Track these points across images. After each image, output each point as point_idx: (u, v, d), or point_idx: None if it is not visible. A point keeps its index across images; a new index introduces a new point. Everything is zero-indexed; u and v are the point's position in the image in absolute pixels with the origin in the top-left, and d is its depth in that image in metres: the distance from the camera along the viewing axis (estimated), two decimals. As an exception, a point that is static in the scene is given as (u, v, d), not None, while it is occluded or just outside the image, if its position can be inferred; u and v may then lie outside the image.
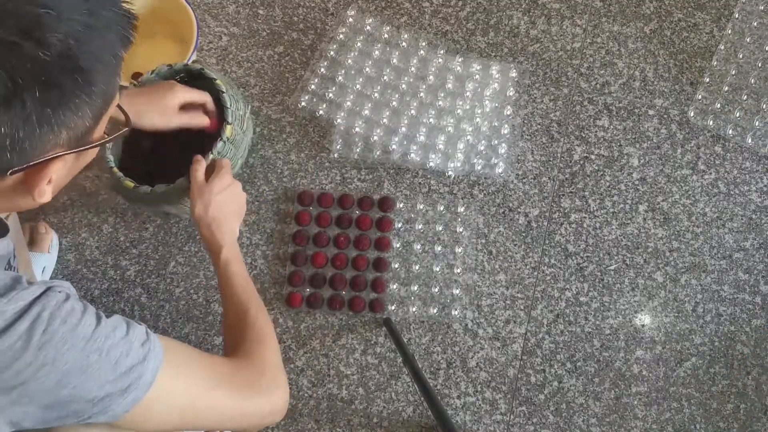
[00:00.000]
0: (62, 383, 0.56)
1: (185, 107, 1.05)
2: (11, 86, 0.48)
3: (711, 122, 1.33)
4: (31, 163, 0.54)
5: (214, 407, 0.68)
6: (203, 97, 1.07)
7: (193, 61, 1.35)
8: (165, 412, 0.63)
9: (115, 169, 1.06)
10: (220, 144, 1.08)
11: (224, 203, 0.97)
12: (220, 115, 1.11)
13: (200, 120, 1.07)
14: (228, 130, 1.10)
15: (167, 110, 1.02)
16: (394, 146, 1.31)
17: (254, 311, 0.86)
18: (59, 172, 0.58)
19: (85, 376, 0.57)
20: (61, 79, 0.51)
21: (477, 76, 1.35)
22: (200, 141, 1.17)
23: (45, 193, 0.58)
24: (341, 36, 1.38)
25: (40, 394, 0.55)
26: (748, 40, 1.36)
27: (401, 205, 1.30)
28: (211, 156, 1.08)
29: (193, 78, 1.15)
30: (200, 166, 1.01)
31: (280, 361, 0.83)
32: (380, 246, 1.27)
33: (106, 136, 0.63)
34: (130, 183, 1.06)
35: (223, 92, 1.09)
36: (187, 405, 0.65)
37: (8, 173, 0.53)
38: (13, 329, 0.54)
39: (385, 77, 1.34)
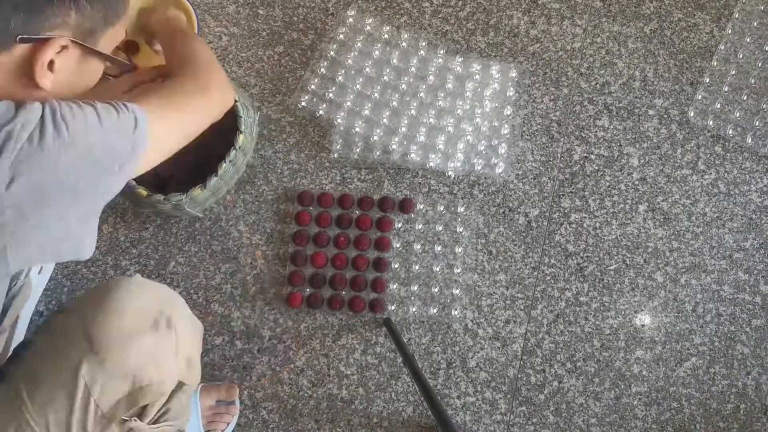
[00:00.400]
0: (98, 164, 0.65)
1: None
2: None
3: (711, 122, 1.33)
4: (38, 36, 0.61)
5: (191, 121, 0.83)
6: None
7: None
8: (165, 147, 0.77)
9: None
10: (233, 153, 1.09)
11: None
12: (233, 123, 1.11)
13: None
14: (240, 139, 1.10)
15: None
16: (394, 146, 1.31)
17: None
18: (62, 64, 0.65)
19: (109, 150, 0.66)
20: None
21: (477, 76, 1.35)
22: (210, 145, 1.18)
23: (45, 76, 0.64)
24: (341, 36, 1.38)
25: (86, 185, 0.64)
26: (748, 40, 1.36)
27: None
28: (224, 165, 1.08)
29: None
30: None
31: (210, 58, 0.95)
32: (380, 246, 1.27)
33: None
34: (143, 191, 1.06)
35: (236, 101, 1.09)
36: (177, 132, 0.80)
37: (17, 39, 0.60)
38: (45, 131, 0.60)
39: (385, 77, 1.34)
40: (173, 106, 0.81)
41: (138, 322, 0.79)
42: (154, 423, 0.87)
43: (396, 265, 1.27)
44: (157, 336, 0.80)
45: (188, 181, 1.14)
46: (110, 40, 0.71)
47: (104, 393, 0.77)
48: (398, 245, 1.28)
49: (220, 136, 1.17)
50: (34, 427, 0.76)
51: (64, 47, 0.64)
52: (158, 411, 0.85)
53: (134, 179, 1.07)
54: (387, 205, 1.28)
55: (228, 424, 1.18)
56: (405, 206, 1.28)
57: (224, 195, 1.29)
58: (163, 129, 0.76)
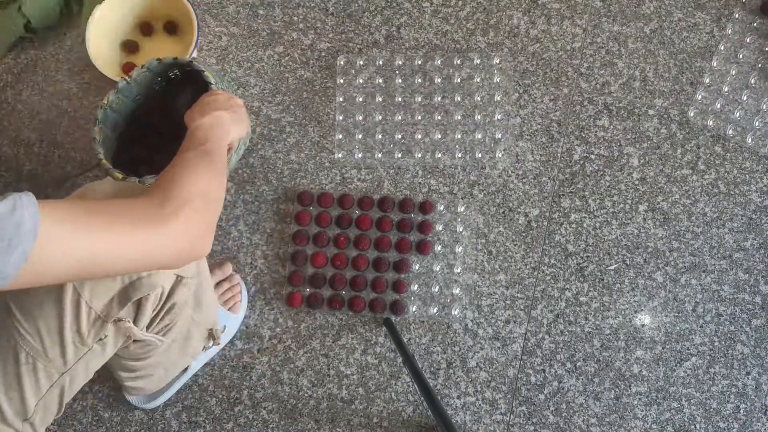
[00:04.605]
0: None
1: None
2: None
3: (711, 122, 1.33)
4: None
5: (111, 250, 0.61)
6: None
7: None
8: (61, 262, 0.58)
9: (105, 161, 1.05)
10: None
11: (218, 106, 0.90)
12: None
13: None
14: None
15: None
16: (394, 146, 1.31)
17: (209, 172, 0.74)
18: None
19: None
20: None
21: (476, 76, 1.35)
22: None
23: None
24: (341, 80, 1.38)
25: None
26: (748, 40, 1.36)
27: (441, 207, 1.29)
28: None
29: (183, 71, 1.15)
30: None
31: (208, 194, 0.71)
32: (380, 246, 1.27)
33: None
34: (118, 174, 1.05)
35: (211, 84, 1.09)
36: (83, 251, 0.59)
37: None
38: None
39: (386, 78, 1.34)
40: (97, 218, 0.61)
41: None
42: (151, 328, 0.86)
43: (396, 265, 1.27)
44: None
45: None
46: None
47: (95, 294, 0.75)
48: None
49: None
50: (27, 337, 0.74)
51: None
52: (155, 310, 0.84)
53: (107, 160, 1.05)
54: (387, 205, 1.28)
55: (238, 301, 1.23)
56: (404, 206, 1.28)
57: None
58: (62, 240, 0.57)
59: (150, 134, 1.20)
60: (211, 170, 0.75)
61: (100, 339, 0.80)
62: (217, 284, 1.23)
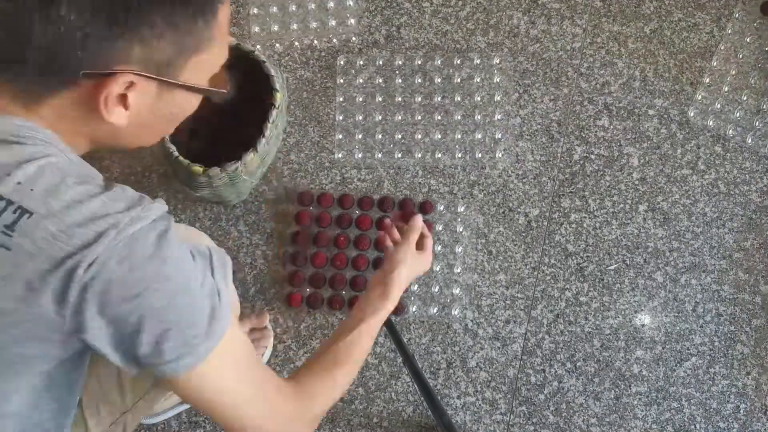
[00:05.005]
0: (171, 304, 0.56)
1: None
2: None
3: (711, 122, 1.33)
4: (101, 71, 0.54)
5: (246, 400, 0.64)
6: None
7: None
8: (217, 387, 0.61)
9: (181, 158, 1.05)
10: (274, 112, 1.07)
11: (415, 266, 1.01)
12: (264, 85, 1.09)
13: None
14: (278, 98, 1.08)
15: None
16: (393, 146, 1.31)
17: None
18: (137, 99, 0.58)
19: (189, 300, 0.57)
20: None
21: (477, 76, 1.35)
22: (240, 116, 1.15)
23: (114, 112, 0.57)
24: (341, 80, 1.38)
25: (151, 312, 0.55)
26: (748, 40, 1.36)
27: (441, 207, 1.29)
28: (269, 125, 1.05)
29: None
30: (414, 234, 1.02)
31: (323, 412, 0.80)
32: (380, 246, 1.27)
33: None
34: (198, 168, 1.05)
35: (264, 62, 1.08)
36: (230, 382, 0.63)
37: (80, 74, 0.54)
38: (149, 232, 0.55)
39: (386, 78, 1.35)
40: (256, 365, 0.67)
41: None
42: None
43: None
44: None
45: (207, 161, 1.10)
46: (200, 68, 0.61)
47: None
48: (398, 245, 1.28)
49: (261, 107, 1.13)
50: (88, 381, 0.77)
51: (131, 83, 0.56)
52: None
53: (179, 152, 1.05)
54: (387, 205, 1.28)
55: (265, 348, 1.21)
56: (404, 206, 1.29)
57: (269, 166, 1.27)
58: (228, 358, 0.62)
59: (199, 126, 1.18)
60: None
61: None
62: (250, 331, 1.21)
